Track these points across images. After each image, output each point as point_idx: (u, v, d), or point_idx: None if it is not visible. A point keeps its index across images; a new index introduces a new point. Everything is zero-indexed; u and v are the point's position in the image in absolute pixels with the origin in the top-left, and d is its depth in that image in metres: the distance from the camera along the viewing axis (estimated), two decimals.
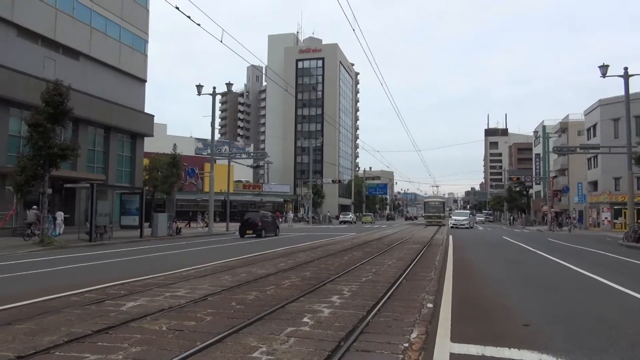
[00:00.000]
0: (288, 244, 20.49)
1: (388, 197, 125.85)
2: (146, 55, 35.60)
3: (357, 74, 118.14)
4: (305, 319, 6.04)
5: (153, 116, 36.55)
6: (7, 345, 4.81)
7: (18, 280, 10.10)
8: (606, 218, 45.82)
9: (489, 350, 4.79)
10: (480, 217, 73.87)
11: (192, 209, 52.07)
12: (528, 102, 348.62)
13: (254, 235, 25.57)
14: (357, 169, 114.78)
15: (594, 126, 48.10)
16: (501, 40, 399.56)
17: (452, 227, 43.94)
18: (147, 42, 35.71)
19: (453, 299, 7.60)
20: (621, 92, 27.66)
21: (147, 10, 35.85)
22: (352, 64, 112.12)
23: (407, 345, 4.95)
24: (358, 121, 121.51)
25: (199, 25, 17.96)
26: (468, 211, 64.32)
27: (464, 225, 44.41)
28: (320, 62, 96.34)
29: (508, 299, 8.06)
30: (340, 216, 64.91)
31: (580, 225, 49.47)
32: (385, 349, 4.80)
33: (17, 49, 25.43)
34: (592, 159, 49.33)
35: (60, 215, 23.27)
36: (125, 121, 32.85)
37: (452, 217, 49.54)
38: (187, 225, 38.61)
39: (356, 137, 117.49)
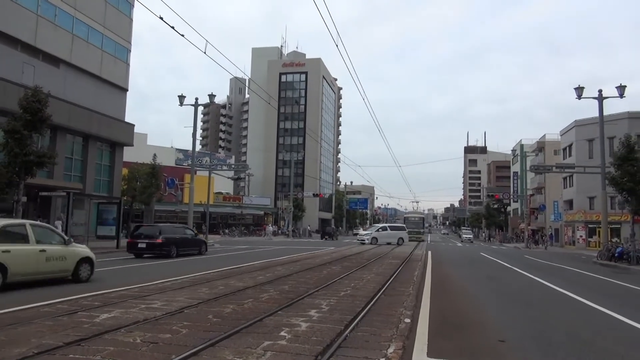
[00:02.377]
0: (267, 257, 20.36)
1: (369, 211, 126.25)
2: (128, 64, 35.35)
3: (339, 89, 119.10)
4: (282, 333, 6.00)
5: (133, 125, 36.20)
6: None
7: None
8: (581, 236, 46.74)
9: None
10: (468, 235, 65.36)
11: (171, 220, 51.42)
12: (507, 121, 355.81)
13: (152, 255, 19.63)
14: (338, 183, 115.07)
15: (570, 146, 49.26)
16: (481, 60, 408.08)
17: (462, 241, 58.81)
18: (130, 51, 35.48)
19: (430, 314, 7.65)
20: (596, 113, 28.43)
21: (131, 19, 35.69)
22: (335, 79, 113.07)
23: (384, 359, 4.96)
24: (340, 136, 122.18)
25: (182, 36, 17.94)
26: (471, 230, 79.82)
27: (469, 239, 61.96)
28: (303, 76, 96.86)
29: (484, 315, 8.14)
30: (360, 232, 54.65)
31: (552, 242, 50.24)
32: None
33: None
34: (568, 178, 50.41)
35: (60, 224, 22.87)
36: (105, 130, 32.45)
37: (463, 235, 66.57)
38: None
39: (338, 152, 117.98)
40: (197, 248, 22.02)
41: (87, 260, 11.81)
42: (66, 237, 11.84)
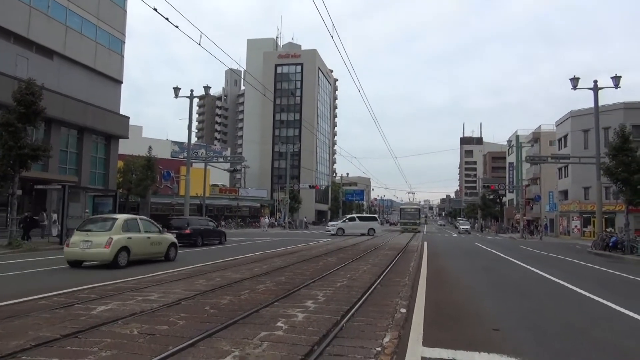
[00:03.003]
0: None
1: (365, 203, 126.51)
2: (122, 56, 35.12)
3: (335, 80, 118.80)
4: (279, 324, 6.03)
5: (128, 118, 36.03)
6: None
7: None
8: (576, 226, 47.04)
9: (460, 354, 4.88)
10: (465, 226, 62.34)
11: (167, 213, 51.39)
12: (502, 112, 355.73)
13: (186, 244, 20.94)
14: (334, 174, 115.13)
15: (565, 137, 49.40)
16: (478, 52, 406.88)
17: (459, 232, 55.91)
18: (124, 42, 35.23)
19: (426, 304, 7.70)
20: (592, 104, 28.50)
21: (125, 11, 35.39)
22: (331, 70, 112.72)
23: (379, 349, 5.00)
24: (336, 127, 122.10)
25: (177, 27, 17.82)
26: (468, 221, 79.25)
27: (467, 230, 59.00)
28: (299, 68, 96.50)
29: (479, 305, 8.20)
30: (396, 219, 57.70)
31: (546, 233, 50.44)
32: (358, 353, 4.83)
33: None
34: (563, 168, 50.61)
35: (55, 216, 22.82)
36: (100, 122, 32.29)
37: (460, 226, 63.89)
38: None
39: (334, 143, 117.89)
40: (218, 238, 24.15)
41: (173, 244, 15.24)
42: (161, 228, 15.27)
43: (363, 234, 38.03)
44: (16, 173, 18.74)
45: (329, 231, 39.74)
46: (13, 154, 18.08)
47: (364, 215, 48.68)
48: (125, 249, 12.80)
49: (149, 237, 13.94)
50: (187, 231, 21.55)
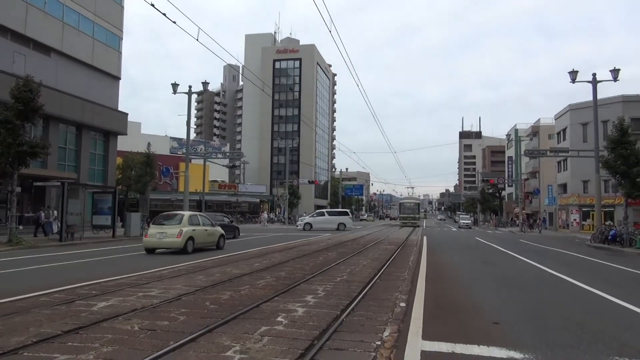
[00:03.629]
0: (259, 245, 20.44)
1: (364, 198, 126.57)
2: (120, 53, 35.01)
3: (334, 75, 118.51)
4: (279, 319, 6.05)
5: (127, 114, 35.96)
6: None
7: None
8: (575, 220, 47.11)
9: (459, 348, 4.90)
10: (466, 221, 61.30)
11: (166, 209, 51.36)
12: (501, 106, 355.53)
13: None
14: (333, 169, 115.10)
15: (564, 130, 49.38)
16: (477, 46, 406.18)
17: (459, 227, 55.44)
18: (122, 39, 35.11)
19: (425, 298, 7.73)
20: (590, 97, 28.48)
21: (122, 7, 35.25)
22: (330, 65, 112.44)
23: (379, 343, 5.02)
24: (335, 122, 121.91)
25: (174, 22, 17.74)
26: (468, 215, 79.09)
27: (467, 224, 59.08)
28: (297, 63, 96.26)
29: (479, 299, 8.23)
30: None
31: (545, 226, 50.44)
32: (358, 347, 4.85)
33: None
34: (562, 162, 50.63)
35: (55, 213, 22.87)
36: (98, 119, 32.23)
37: (461, 221, 63.05)
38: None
39: (333, 138, 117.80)
40: (233, 232, 25.51)
41: (222, 236, 18.37)
42: (213, 222, 18.48)
43: (339, 230, 36.99)
44: (15, 170, 18.71)
45: (297, 226, 38.89)
46: (12, 151, 18.05)
47: (334, 209, 46.86)
48: (191, 238, 15.90)
49: (206, 230, 17.19)
50: None
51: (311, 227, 37.44)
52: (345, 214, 41.26)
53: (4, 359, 4.35)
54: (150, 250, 15.96)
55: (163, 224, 16.07)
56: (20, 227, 21.97)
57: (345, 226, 38.06)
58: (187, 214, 17.09)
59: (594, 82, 27.41)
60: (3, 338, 5.01)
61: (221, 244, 18.03)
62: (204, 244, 17.02)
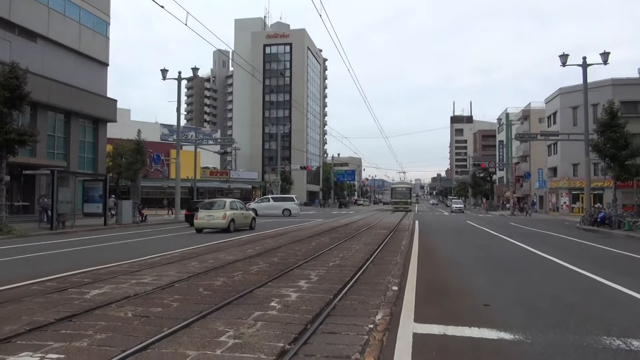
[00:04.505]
0: (253, 231, 20.46)
1: (356, 183, 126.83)
2: (108, 38, 34.52)
3: (325, 60, 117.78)
4: (272, 304, 6.09)
5: (116, 101, 35.60)
6: None
7: None
8: (565, 203, 47.59)
9: (451, 330, 4.97)
10: (458, 205, 60.85)
11: (158, 196, 51.19)
12: (493, 90, 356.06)
13: None
14: (325, 155, 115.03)
15: (554, 114, 49.60)
16: (467, 30, 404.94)
17: (452, 211, 54.63)
18: (109, 24, 34.59)
19: (417, 282, 7.81)
20: (581, 81, 28.57)
21: None
22: (321, 50, 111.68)
23: (372, 326, 5.07)
24: (326, 107, 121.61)
25: (162, 7, 17.49)
26: (461, 200, 78.64)
27: (460, 209, 58.22)
28: (288, 48, 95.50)
29: (470, 282, 8.33)
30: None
31: (535, 209, 50.81)
32: (351, 330, 4.91)
33: None
34: (552, 145, 50.95)
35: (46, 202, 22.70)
36: (87, 106, 31.88)
37: (453, 205, 62.31)
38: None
39: (324, 124, 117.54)
40: None
41: (254, 218, 22.37)
42: (246, 206, 23.69)
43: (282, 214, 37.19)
44: (3, 159, 18.53)
45: (452, 210, 38.91)
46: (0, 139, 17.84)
47: (279, 195, 46.11)
48: (232, 220, 19.63)
49: (242, 213, 21.11)
50: None
51: (256, 212, 37.34)
52: (291, 199, 41.15)
53: None
54: (199, 230, 19.64)
55: (210, 209, 19.90)
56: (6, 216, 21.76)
57: (290, 212, 37.84)
58: (228, 200, 21.06)
59: (584, 65, 27.48)
60: None
61: (253, 225, 21.75)
62: (241, 225, 20.71)
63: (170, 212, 34.89)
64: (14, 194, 26.33)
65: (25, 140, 18.85)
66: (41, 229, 20.39)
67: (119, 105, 36.40)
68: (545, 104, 53.66)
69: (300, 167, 70.91)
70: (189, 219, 23.91)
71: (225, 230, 19.18)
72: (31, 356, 4.09)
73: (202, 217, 19.42)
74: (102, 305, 5.94)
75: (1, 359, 4.04)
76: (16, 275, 8.53)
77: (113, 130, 37.23)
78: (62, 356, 4.10)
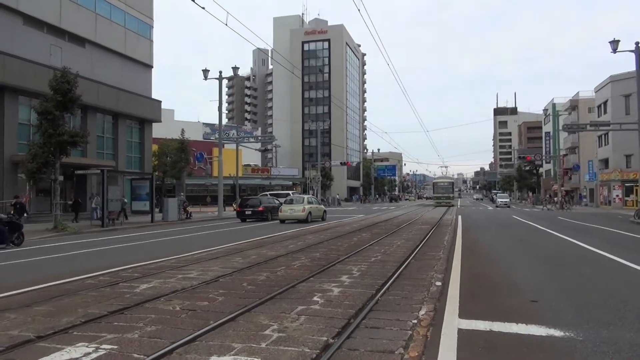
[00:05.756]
0: (295, 227, 20.63)
1: (397, 178, 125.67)
2: (152, 41, 35.53)
3: (363, 55, 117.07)
4: (315, 298, 6.14)
5: (160, 102, 36.64)
6: (27, 326, 4.96)
7: (34, 265, 10.32)
8: (617, 196, 45.50)
9: (497, 326, 4.85)
10: (504, 200, 56.25)
11: (201, 194, 52.40)
12: (537, 80, 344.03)
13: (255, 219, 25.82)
14: (365, 150, 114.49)
15: (605, 103, 47.47)
16: (509, 18, 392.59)
17: (497, 206, 52.35)
18: (152, 27, 35.60)
19: (461, 277, 7.66)
20: (633, 67, 27.20)
21: None
22: (359, 45, 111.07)
23: (415, 321, 5.03)
24: (365, 103, 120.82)
25: (203, 8, 17.87)
26: (507, 194, 74.14)
27: (506, 203, 54.09)
28: (326, 44, 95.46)
29: (516, 277, 8.10)
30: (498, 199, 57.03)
31: (581, 202, 48.61)
32: (394, 326, 4.88)
33: (24, 38, 25.52)
34: (603, 136, 48.80)
35: (96, 200, 23.82)
36: (133, 107, 32.97)
37: (498, 199, 58.69)
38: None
39: (364, 119, 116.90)
40: None
41: (325, 211, 26.30)
42: (319, 200, 29.64)
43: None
44: (57, 159, 19.42)
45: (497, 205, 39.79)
46: (53, 141, 18.72)
47: (275, 192, 43.92)
48: (309, 213, 23.79)
49: (317, 207, 25.45)
50: (261, 209, 26.02)
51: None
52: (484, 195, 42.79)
53: (56, 337, 4.58)
54: (282, 221, 23.72)
55: (292, 204, 24.33)
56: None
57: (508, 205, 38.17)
58: (306, 196, 26.48)
59: (638, 50, 26.12)
60: (54, 318, 5.27)
61: (324, 217, 25.63)
62: (315, 217, 24.53)
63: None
64: (67, 193, 27.56)
65: (76, 141, 19.70)
66: (93, 226, 21.28)
67: (163, 105, 37.46)
68: (595, 92, 51.41)
69: (341, 163, 70.83)
70: (240, 214, 26.10)
71: (304, 221, 23.08)
72: (87, 346, 4.29)
73: (286, 210, 23.89)
74: (152, 299, 6.15)
75: (59, 348, 4.26)
76: (71, 270, 8.95)
77: (158, 130, 38.35)
78: (115, 347, 4.28)
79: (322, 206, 26.71)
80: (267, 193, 41.41)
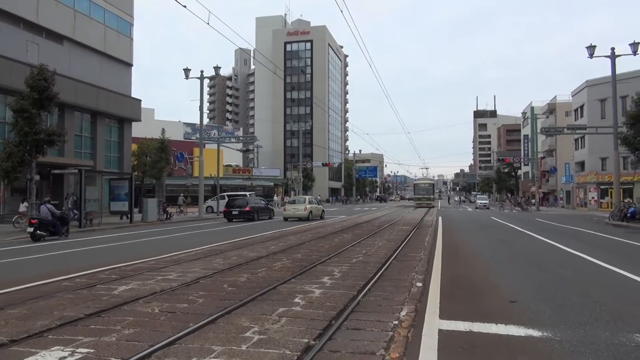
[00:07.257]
0: (277, 228, 20.56)
1: (378, 179, 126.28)
2: (132, 39, 35.05)
3: (346, 56, 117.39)
4: (296, 300, 6.11)
5: (140, 101, 36.16)
6: (0, 330, 4.83)
7: (9, 266, 10.08)
8: (593, 198, 46.48)
9: (477, 326, 4.90)
10: (483, 201, 56.95)
11: (182, 194, 51.78)
12: (517, 84, 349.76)
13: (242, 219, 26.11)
14: (347, 152, 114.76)
15: (581, 107, 48.47)
16: (489, 22, 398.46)
17: (476, 208, 53.28)
18: (133, 25, 35.13)
19: (442, 278, 7.72)
20: (608, 73, 27.83)
21: None
22: (341, 46, 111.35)
23: (396, 322, 5.04)
24: (347, 104, 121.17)
25: (184, 7, 17.70)
26: (486, 195, 75.88)
27: (485, 205, 55.06)
28: (308, 45, 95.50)
29: (496, 278, 8.20)
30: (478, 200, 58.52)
31: (556, 204, 49.52)
32: (376, 327, 4.88)
33: None
34: (580, 139, 49.81)
35: (70, 201, 23.30)
36: (112, 106, 32.47)
37: (477, 201, 59.79)
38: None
39: (346, 120, 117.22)
40: (269, 214, 28.91)
41: (323, 211, 28.81)
42: (319, 201, 32.66)
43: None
44: (33, 158, 19.01)
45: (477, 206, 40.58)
46: (29, 139, 18.33)
47: (238, 193, 43.04)
48: (310, 212, 26.24)
49: (317, 206, 27.84)
50: (247, 208, 26.37)
51: (213, 210, 37.21)
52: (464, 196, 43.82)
53: (30, 341, 4.46)
54: (286, 219, 25.62)
55: (294, 203, 27.12)
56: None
57: (212, 209, 37.08)
58: (308, 197, 29.67)
59: (613, 56, 26.75)
60: (29, 321, 5.14)
61: (324, 216, 28.00)
62: (315, 216, 26.80)
63: (179, 209, 33.07)
64: (43, 193, 26.97)
65: (53, 140, 19.31)
66: (70, 227, 20.84)
67: (143, 104, 36.97)
68: (572, 96, 52.46)
69: (322, 164, 70.90)
70: (227, 214, 26.37)
71: (305, 219, 25.41)
72: (62, 350, 4.19)
73: (289, 209, 26.45)
74: (130, 301, 6.05)
75: (34, 352, 4.15)
76: (47, 271, 8.76)
77: (138, 130, 37.84)
78: (92, 350, 4.19)
79: (321, 206, 28.75)
80: (225, 194, 40.39)
